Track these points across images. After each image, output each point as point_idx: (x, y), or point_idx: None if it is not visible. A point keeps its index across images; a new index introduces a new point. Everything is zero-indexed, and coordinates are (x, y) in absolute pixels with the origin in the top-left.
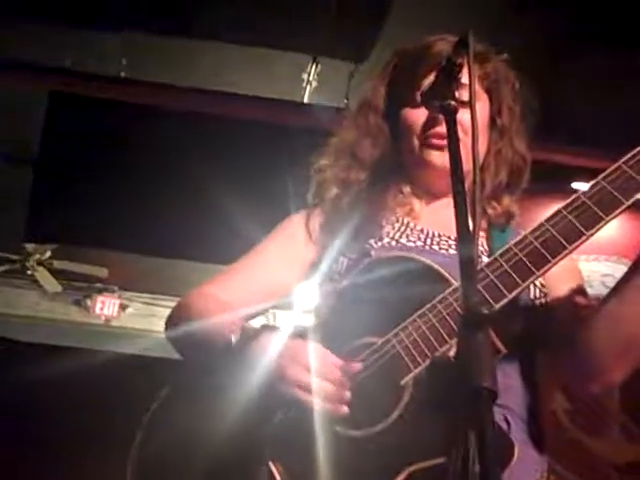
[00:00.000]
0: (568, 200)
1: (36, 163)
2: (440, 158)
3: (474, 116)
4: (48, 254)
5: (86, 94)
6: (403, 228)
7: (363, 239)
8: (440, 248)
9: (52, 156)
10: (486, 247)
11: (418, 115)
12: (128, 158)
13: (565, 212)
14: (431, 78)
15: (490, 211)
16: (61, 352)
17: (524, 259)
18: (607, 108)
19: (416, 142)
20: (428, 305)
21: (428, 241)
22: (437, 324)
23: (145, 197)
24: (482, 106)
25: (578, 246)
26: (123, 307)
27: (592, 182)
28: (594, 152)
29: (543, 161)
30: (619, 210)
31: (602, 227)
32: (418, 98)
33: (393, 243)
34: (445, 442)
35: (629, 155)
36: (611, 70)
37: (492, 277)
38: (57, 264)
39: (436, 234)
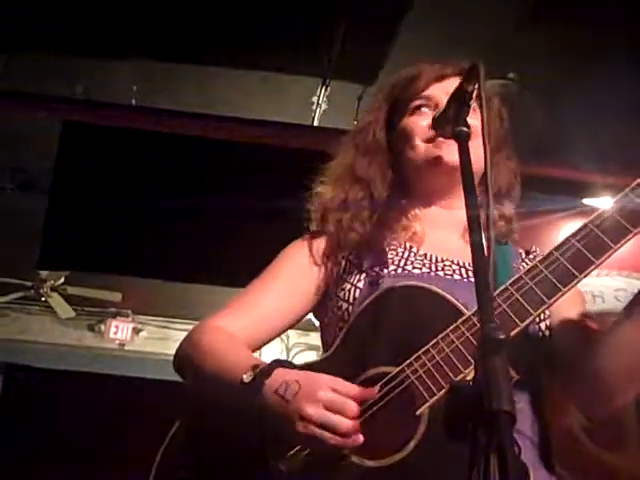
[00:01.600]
0: (577, 228)
1: (50, 191)
2: (448, 153)
3: (486, 143)
4: (62, 280)
5: (98, 122)
6: (407, 254)
7: (368, 265)
8: (445, 274)
9: (65, 184)
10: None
11: (421, 120)
12: (141, 184)
13: (574, 240)
14: (434, 90)
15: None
16: (75, 377)
17: (535, 288)
18: (622, 125)
19: (420, 143)
20: (441, 335)
21: (433, 267)
22: (450, 354)
23: (158, 222)
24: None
25: (588, 274)
26: (137, 331)
27: (599, 211)
28: (607, 169)
29: (555, 177)
30: (627, 238)
31: (611, 255)
32: (420, 106)
33: (399, 271)
34: (463, 470)
35: (634, 184)
36: (627, 86)
37: (504, 307)
38: (71, 290)
39: (439, 259)
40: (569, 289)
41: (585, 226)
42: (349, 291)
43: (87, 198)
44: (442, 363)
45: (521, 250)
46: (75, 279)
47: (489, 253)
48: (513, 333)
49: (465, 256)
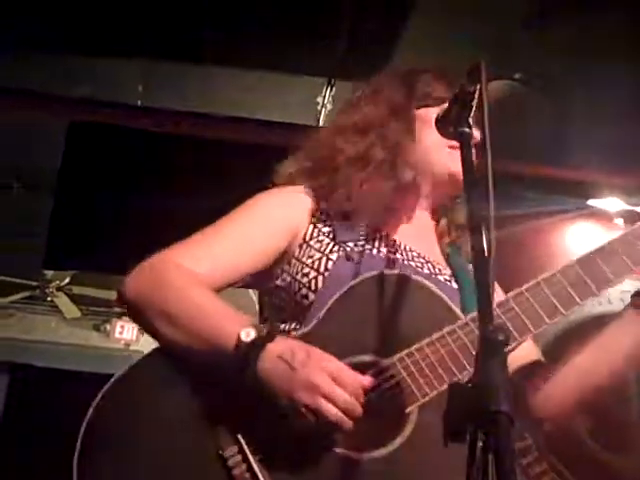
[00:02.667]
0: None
1: (56, 191)
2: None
3: (486, 146)
4: (67, 280)
5: (104, 122)
6: (380, 236)
7: (342, 239)
8: (416, 266)
9: (71, 184)
10: (444, 262)
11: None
12: (146, 184)
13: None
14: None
15: (451, 236)
16: (81, 377)
17: (522, 315)
18: (628, 125)
19: (445, 149)
20: (436, 335)
21: (404, 255)
22: (446, 356)
23: (163, 222)
24: None
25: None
26: (142, 331)
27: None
28: (612, 168)
29: (560, 178)
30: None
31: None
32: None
33: (374, 252)
34: (445, 474)
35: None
36: (629, 86)
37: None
38: (76, 290)
39: (408, 248)
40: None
41: (590, 254)
42: (319, 260)
43: (93, 198)
44: (436, 364)
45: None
46: (81, 279)
47: (489, 256)
48: (513, 345)
49: (430, 253)
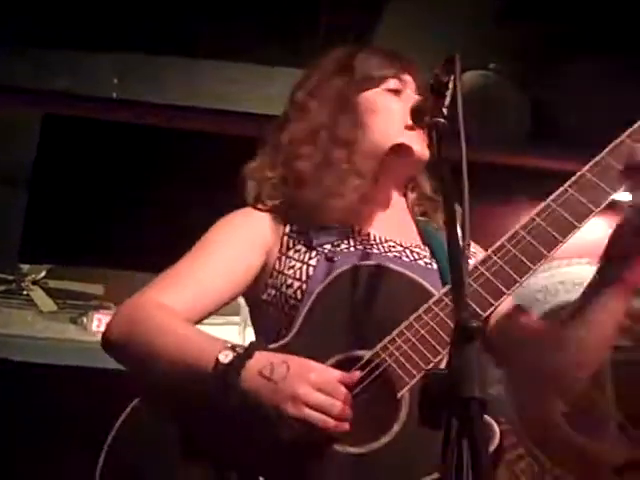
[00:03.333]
0: (540, 207)
1: (30, 184)
2: (420, 146)
3: (461, 139)
4: (43, 273)
5: (79, 115)
6: (355, 234)
7: (317, 243)
8: (394, 255)
9: (46, 177)
10: (421, 244)
11: (397, 101)
12: (122, 177)
13: (539, 219)
14: (407, 78)
15: (420, 209)
16: (58, 371)
17: (505, 267)
18: (599, 114)
19: (401, 126)
20: (414, 316)
21: (381, 247)
22: (426, 334)
23: (140, 214)
24: None
25: (554, 253)
26: None
27: (560, 190)
28: (584, 158)
29: (540, 168)
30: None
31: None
32: (397, 87)
33: (352, 249)
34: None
35: (592, 162)
36: (602, 75)
37: (475, 286)
38: (52, 283)
39: (384, 239)
40: (538, 267)
41: (548, 205)
42: (300, 269)
43: (68, 191)
44: (419, 344)
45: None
46: (57, 272)
47: (464, 242)
48: (488, 312)
49: (409, 238)
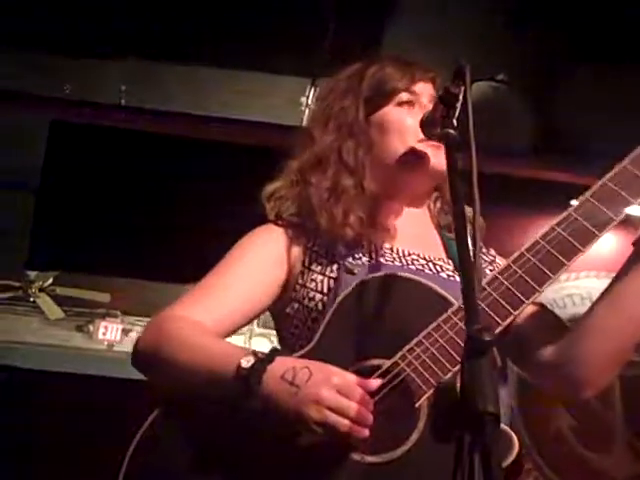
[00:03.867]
0: (560, 217)
1: (38, 191)
2: (436, 157)
3: (472, 150)
4: (50, 281)
5: (86, 122)
6: (376, 247)
7: (339, 256)
8: (416, 268)
9: (53, 183)
10: (445, 257)
11: (408, 115)
12: (129, 185)
13: (559, 229)
14: (422, 88)
15: (445, 221)
16: (64, 378)
17: (524, 276)
18: (604, 126)
19: (412, 140)
20: (432, 325)
21: (404, 261)
22: (445, 344)
23: (147, 222)
24: None
25: (574, 262)
26: (126, 332)
27: (580, 199)
28: (592, 170)
29: (542, 179)
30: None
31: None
32: (409, 100)
33: (373, 262)
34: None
35: (612, 172)
36: (608, 88)
37: (495, 295)
38: (59, 290)
39: (407, 252)
40: (558, 275)
41: (569, 216)
42: (321, 282)
43: (75, 198)
44: (437, 354)
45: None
46: (64, 280)
47: (475, 254)
48: (507, 321)
49: (431, 250)
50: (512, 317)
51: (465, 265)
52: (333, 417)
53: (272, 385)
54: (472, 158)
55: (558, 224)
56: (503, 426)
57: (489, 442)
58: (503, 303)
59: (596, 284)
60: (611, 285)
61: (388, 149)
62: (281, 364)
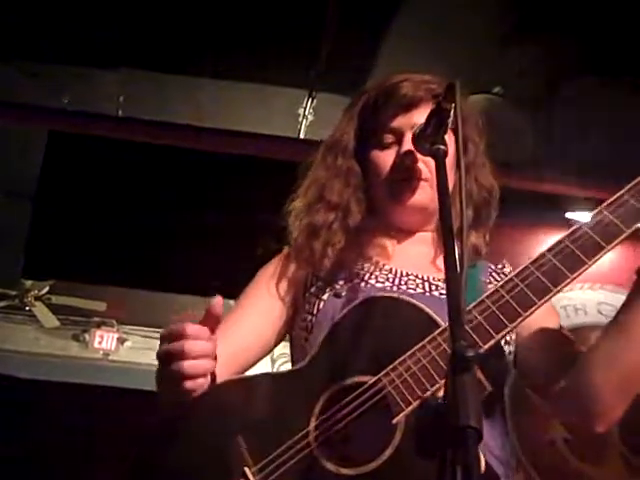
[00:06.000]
0: (552, 244)
1: (34, 200)
2: (412, 197)
3: (460, 165)
4: (46, 289)
5: (84, 132)
6: (372, 268)
7: (334, 280)
8: (408, 287)
9: (50, 193)
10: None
11: (387, 156)
12: (125, 194)
13: (549, 255)
14: (401, 121)
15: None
16: (59, 387)
17: (510, 301)
18: (602, 138)
19: (387, 183)
20: (417, 346)
21: (396, 281)
22: (427, 364)
23: (143, 232)
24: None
25: (562, 288)
26: (121, 341)
27: (574, 227)
28: (590, 183)
29: (538, 191)
30: (601, 254)
31: (585, 270)
32: (386, 139)
33: (362, 285)
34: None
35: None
36: (606, 100)
37: (480, 319)
38: (55, 299)
39: (404, 273)
40: (544, 302)
41: (560, 242)
42: (314, 304)
43: (72, 208)
44: (419, 373)
45: (491, 265)
46: (59, 288)
47: (461, 270)
48: (489, 345)
49: (430, 271)
50: (494, 340)
51: (451, 282)
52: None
53: None
54: (461, 175)
55: (549, 250)
56: None
57: (470, 457)
58: (486, 326)
59: (591, 296)
60: (617, 316)
61: (372, 190)
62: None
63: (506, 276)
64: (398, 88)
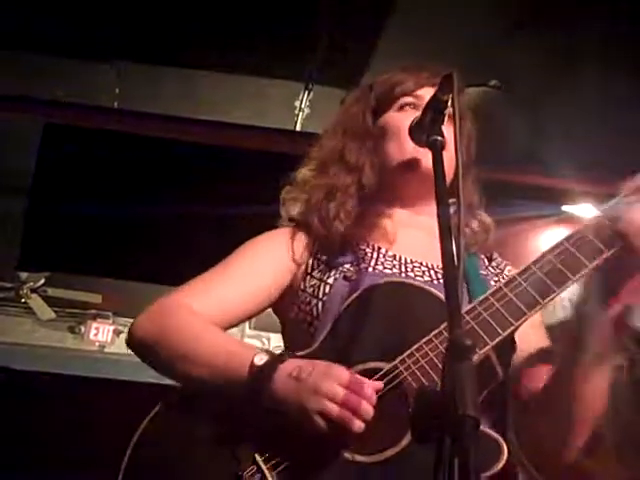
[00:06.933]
0: (553, 245)
1: (30, 192)
2: (427, 159)
3: (458, 157)
4: (42, 281)
5: (80, 125)
6: (376, 254)
7: (338, 262)
8: (415, 275)
9: (46, 185)
10: None
11: (405, 118)
12: (121, 187)
13: (550, 256)
14: (421, 88)
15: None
16: (55, 379)
17: (515, 300)
18: (602, 133)
19: (407, 141)
20: (434, 332)
21: (402, 268)
22: (445, 351)
23: (138, 224)
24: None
25: (564, 290)
26: (117, 333)
27: (574, 230)
28: (586, 175)
29: (535, 184)
30: (602, 257)
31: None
32: (405, 102)
33: (370, 270)
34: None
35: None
36: (605, 91)
37: (485, 315)
38: (51, 291)
39: (408, 260)
40: (547, 303)
41: (561, 243)
42: (318, 287)
43: (67, 200)
44: (436, 360)
45: (483, 257)
46: (55, 281)
47: (459, 260)
48: (494, 342)
49: (434, 258)
50: (488, 347)
51: (449, 271)
52: (331, 406)
53: (280, 383)
54: (458, 165)
55: (536, 263)
56: (491, 432)
57: (468, 445)
58: (480, 332)
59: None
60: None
61: (386, 152)
62: (290, 363)
63: (502, 270)
64: (420, 66)
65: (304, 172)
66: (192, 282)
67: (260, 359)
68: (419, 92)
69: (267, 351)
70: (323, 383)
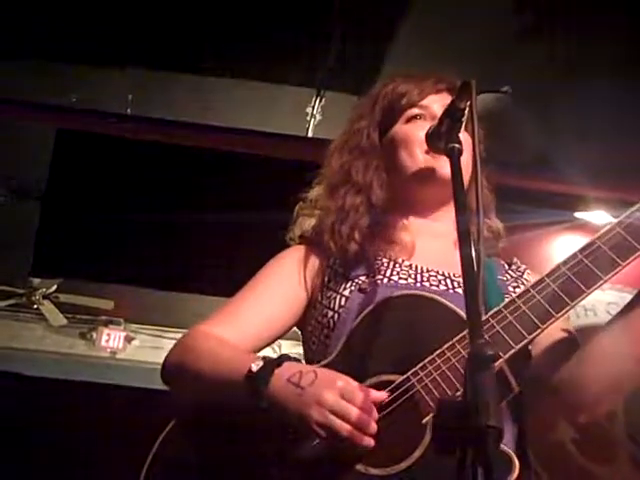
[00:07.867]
0: (568, 256)
1: (43, 198)
2: (442, 167)
3: (476, 163)
4: (54, 288)
5: (93, 131)
6: (393, 264)
7: (354, 274)
8: (431, 284)
9: (59, 192)
10: None
11: (415, 129)
12: (133, 193)
13: (564, 268)
14: (429, 98)
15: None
16: (66, 385)
17: (528, 312)
18: (615, 139)
19: (419, 152)
20: (447, 344)
21: (418, 277)
22: (457, 363)
23: (151, 230)
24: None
25: (579, 302)
26: (129, 340)
27: (607, 228)
28: (599, 182)
29: (548, 191)
30: (615, 271)
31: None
32: (413, 114)
33: (385, 281)
34: None
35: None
36: (620, 97)
37: (498, 328)
38: (63, 297)
39: (425, 269)
40: (562, 315)
41: (575, 255)
42: (334, 299)
43: (80, 206)
44: (448, 372)
45: (503, 262)
46: (67, 287)
47: (478, 268)
48: (507, 355)
49: (451, 267)
50: (514, 350)
51: (468, 279)
52: (334, 420)
53: (278, 387)
54: (477, 172)
55: (548, 275)
56: (502, 446)
57: (491, 456)
58: (505, 336)
59: (601, 297)
60: (618, 314)
61: (397, 164)
62: (288, 368)
63: (521, 273)
64: (423, 75)
65: (316, 190)
66: (217, 312)
67: (257, 365)
68: (424, 102)
69: (264, 358)
70: (326, 395)
